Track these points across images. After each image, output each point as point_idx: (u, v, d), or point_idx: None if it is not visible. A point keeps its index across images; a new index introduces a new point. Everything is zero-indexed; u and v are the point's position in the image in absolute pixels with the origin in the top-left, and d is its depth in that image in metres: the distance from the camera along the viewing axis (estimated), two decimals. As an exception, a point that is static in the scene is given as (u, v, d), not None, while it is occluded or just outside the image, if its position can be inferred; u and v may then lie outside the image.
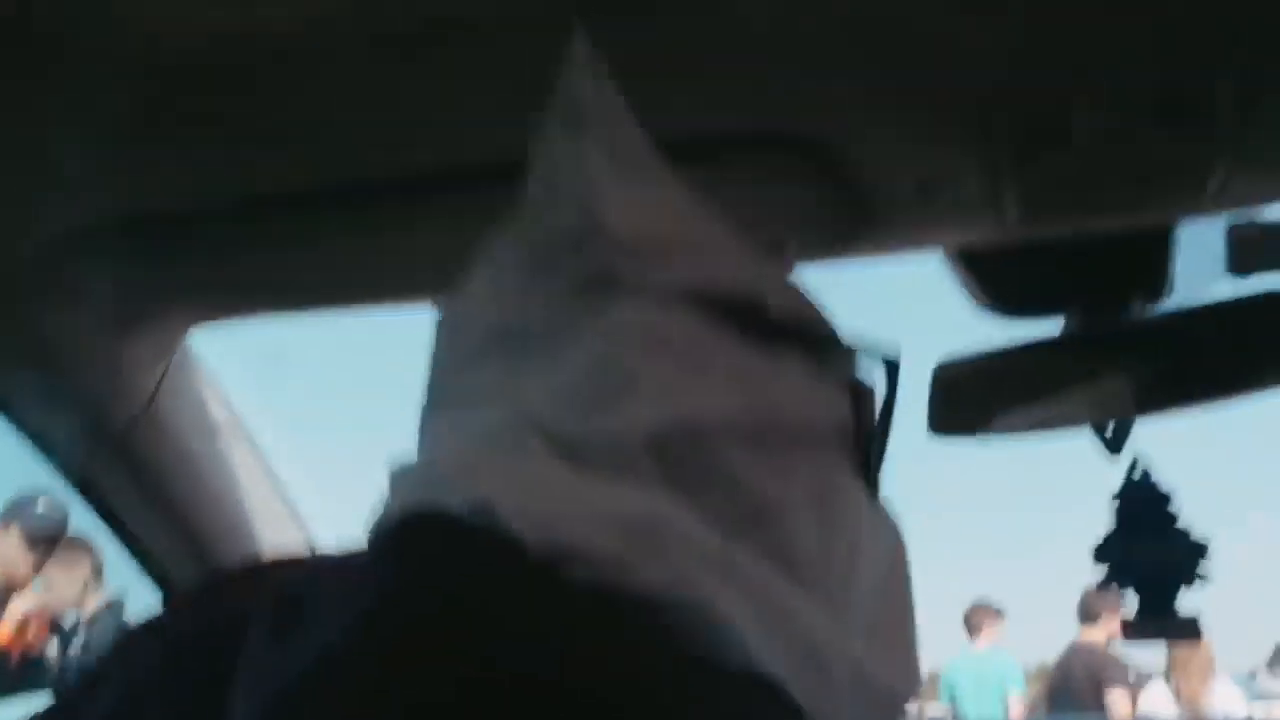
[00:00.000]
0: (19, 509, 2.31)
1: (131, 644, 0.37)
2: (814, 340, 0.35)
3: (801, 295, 0.36)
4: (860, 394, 0.37)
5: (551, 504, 0.27)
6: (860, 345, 0.38)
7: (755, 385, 0.32)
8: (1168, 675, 4.00)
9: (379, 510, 0.32)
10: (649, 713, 0.26)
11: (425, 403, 0.36)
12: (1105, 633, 3.79)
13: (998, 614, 4.35)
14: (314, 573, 0.34)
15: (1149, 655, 4.23)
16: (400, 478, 0.33)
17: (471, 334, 0.35)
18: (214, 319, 0.76)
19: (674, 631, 0.27)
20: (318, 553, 0.41)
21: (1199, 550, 0.74)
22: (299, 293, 0.75)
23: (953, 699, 4.36)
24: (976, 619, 4.29)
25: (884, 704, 0.34)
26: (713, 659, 0.27)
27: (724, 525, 0.29)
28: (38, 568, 2.30)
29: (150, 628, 0.38)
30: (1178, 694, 3.89)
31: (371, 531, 0.32)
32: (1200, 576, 0.74)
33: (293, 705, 0.27)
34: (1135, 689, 3.87)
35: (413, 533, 0.30)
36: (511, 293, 0.34)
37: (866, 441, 0.37)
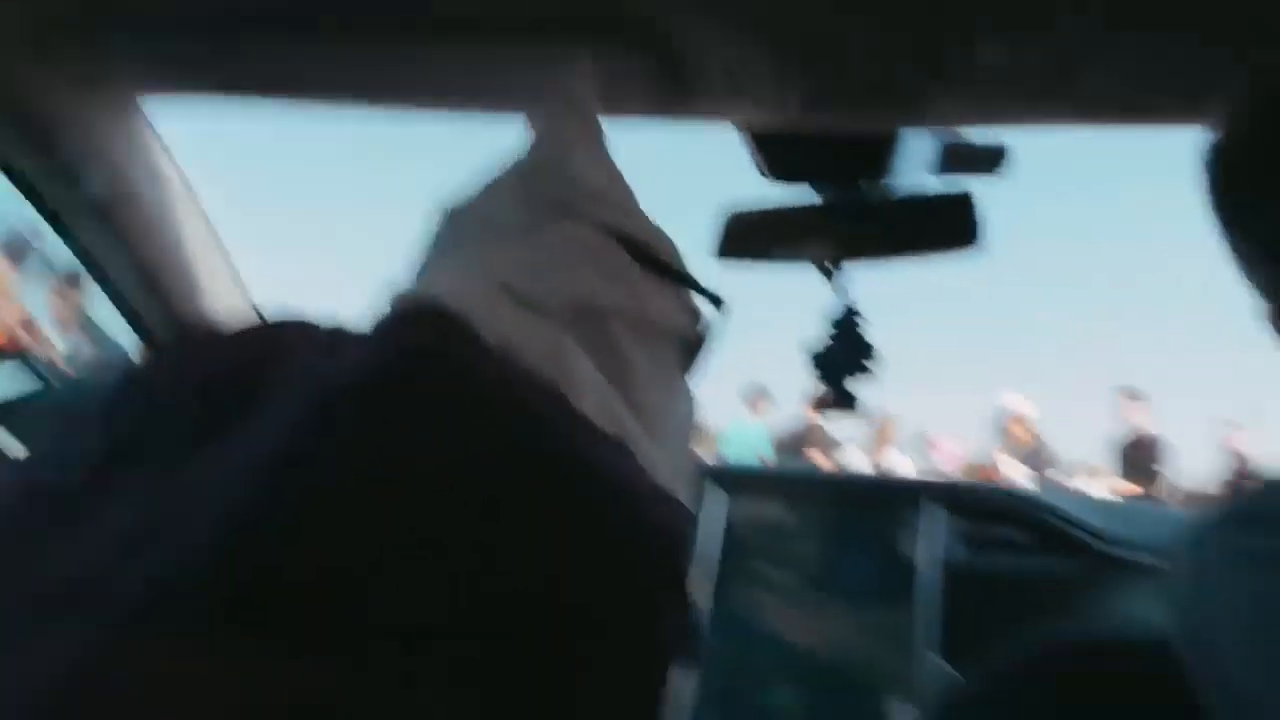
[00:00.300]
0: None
1: (116, 390, 0.42)
2: (673, 272, 0.57)
3: (671, 243, 0.57)
4: (696, 311, 0.57)
5: (497, 320, 0.49)
6: (700, 282, 0.57)
7: (636, 291, 0.52)
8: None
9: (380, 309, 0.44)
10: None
11: (425, 260, 0.55)
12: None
13: (768, 397, 5.55)
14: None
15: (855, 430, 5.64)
16: (398, 293, 0.52)
17: (471, 220, 0.55)
18: (162, 91, 0.87)
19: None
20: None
21: (876, 356, 1.06)
22: (250, 78, 0.87)
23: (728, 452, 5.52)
24: (753, 399, 5.55)
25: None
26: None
27: (603, 371, 0.48)
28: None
29: (133, 376, 0.43)
30: (869, 456, 5.35)
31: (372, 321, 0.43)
32: (871, 372, 1.07)
33: (342, 410, 0.35)
34: (832, 450, 5.26)
35: (411, 314, 0.44)
36: (504, 199, 0.55)
37: (696, 342, 0.57)
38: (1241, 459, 5.95)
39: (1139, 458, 5.49)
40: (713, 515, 1.25)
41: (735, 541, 1.23)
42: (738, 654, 1.20)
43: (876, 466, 5.46)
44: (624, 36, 0.78)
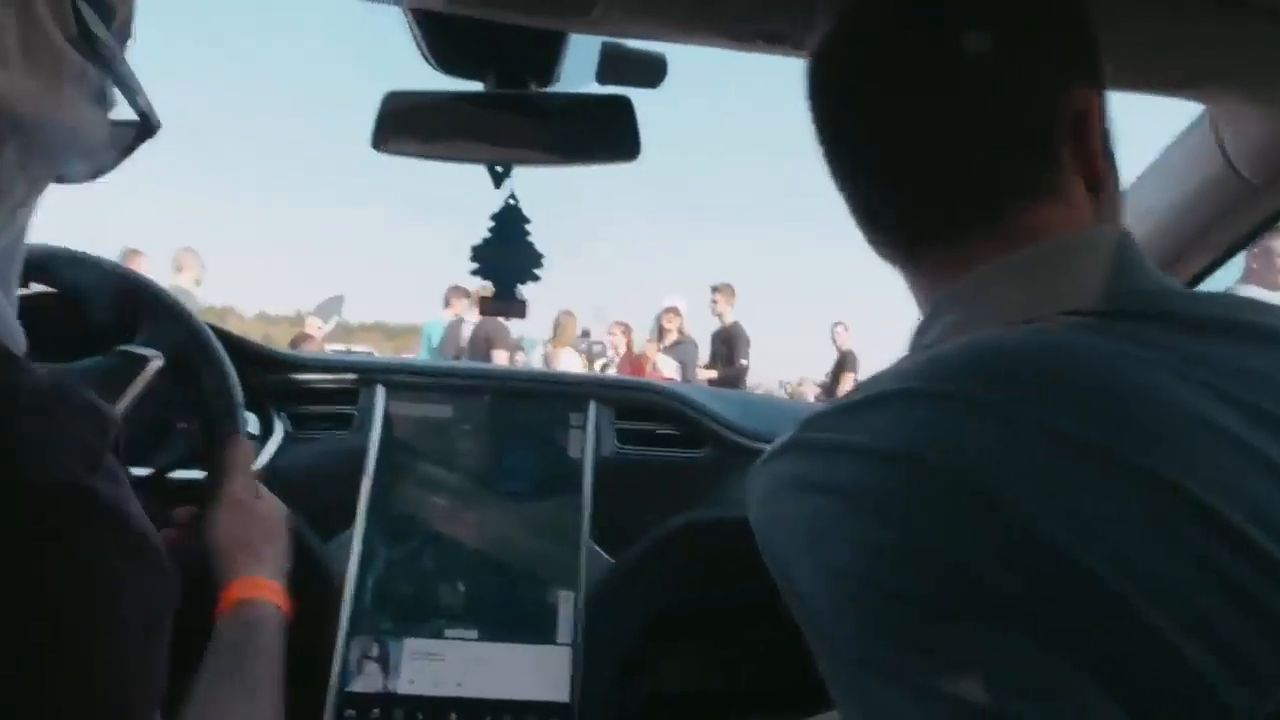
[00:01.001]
0: None
1: None
2: None
3: None
4: None
5: None
6: None
7: None
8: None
9: None
10: None
11: None
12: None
13: (465, 296, 5.86)
14: None
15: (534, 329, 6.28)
16: None
17: None
18: None
19: None
20: None
21: (539, 260, 1.09)
22: None
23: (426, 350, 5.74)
24: (449, 296, 5.80)
25: None
26: None
27: None
28: None
29: None
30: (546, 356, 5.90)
31: None
32: (535, 276, 1.09)
33: None
34: (514, 350, 5.62)
35: None
36: None
37: None
38: (845, 353, 7.17)
39: (725, 348, 6.51)
40: (371, 413, 1.23)
41: (396, 441, 1.22)
42: (403, 555, 1.20)
43: (550, 365, 5.80)
44: None
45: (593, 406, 1.26)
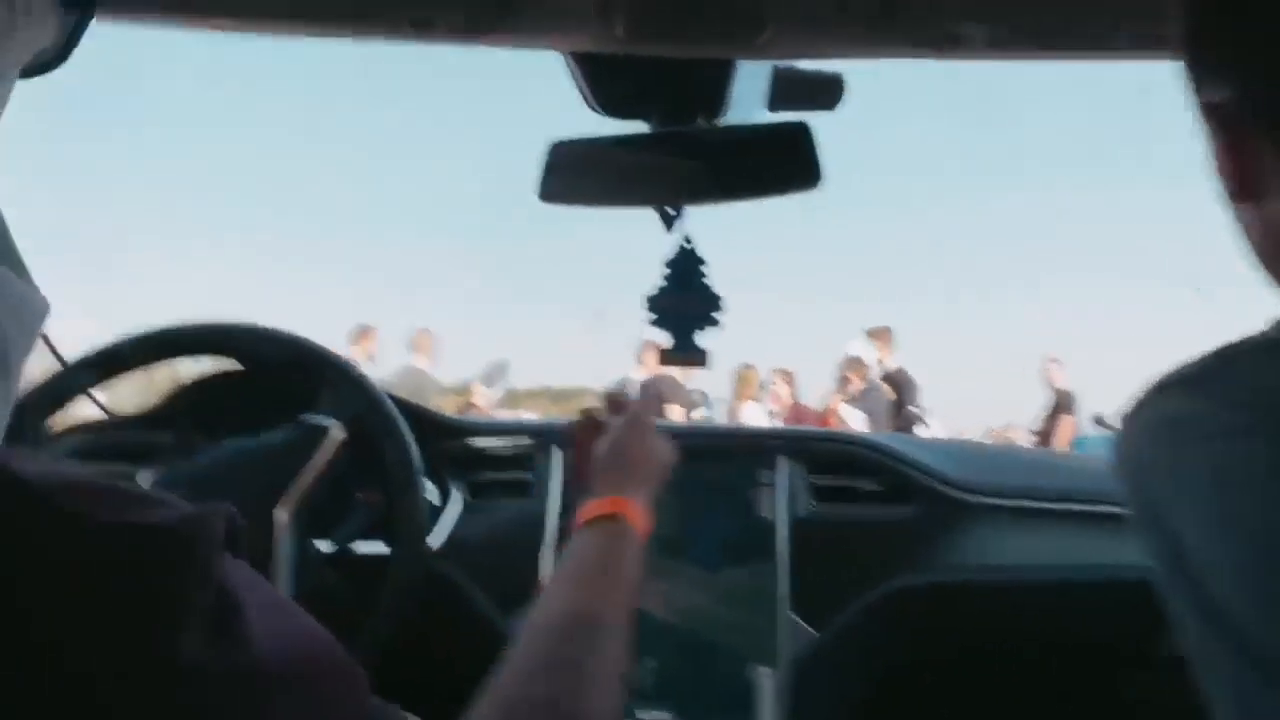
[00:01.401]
0: None
1: None
2: None
3: None
4: None
5: None
6: None
7: None
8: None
9: None
10: None
11: None
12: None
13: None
14: None
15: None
16: None
17: None
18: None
19: None
20: None
21: (718, 304, 1.02)
22: None
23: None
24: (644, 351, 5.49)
25: None
26: None
27: None
28: None
29: None
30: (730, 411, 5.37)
31: None
32: (717, 323, 1.02)
33: None
34: (692, 407, 5.35)
35: None
36: None
37: None
38: (1062, 393, 6.41)
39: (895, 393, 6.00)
40: (548, 478, 1.18)
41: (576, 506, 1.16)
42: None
43: (734, 421, 5.54)
44: None
45: (783, 463, 1.16)
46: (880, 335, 6.07)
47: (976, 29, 0.79)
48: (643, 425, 0.90)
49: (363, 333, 5.97)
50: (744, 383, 5.96)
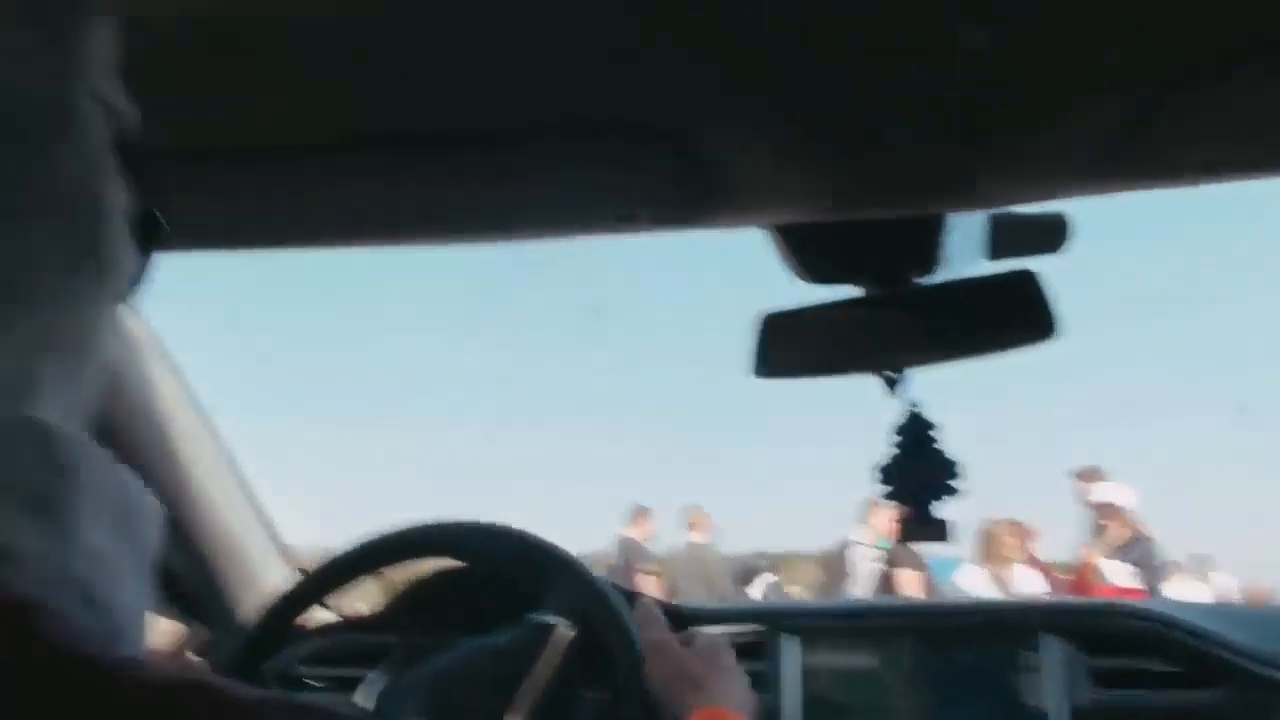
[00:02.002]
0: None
1: None
2: None
3: None
4: None
5: None
6: None
7: None
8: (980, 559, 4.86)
9: None
10: None
11: None
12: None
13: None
14: None
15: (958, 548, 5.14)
16: None
17: None
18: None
19: None
20: None
21: (955, 471, 0.94)
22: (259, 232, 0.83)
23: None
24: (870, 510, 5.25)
25: None
26: None
27: None
28: None
29: None
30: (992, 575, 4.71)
31: None
32: (956, 491, 0.94)
33: None
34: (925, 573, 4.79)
35: None
36: None
37: None
38: None
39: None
40: (783, 669, 1.09)
41: (815, 699, 1.06)
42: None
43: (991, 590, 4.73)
44: (654, 147, 0.74)
45: (1051, 641, 1.02)
46: (1092, 474, 5.30)
47: (1229, 150, 0.72)
48: (669, 646, 0.92)
49: (639, 514, 5.97)
50: (996, 543, 4.84)
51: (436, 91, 0.67)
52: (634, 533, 5.96)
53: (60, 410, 0.34)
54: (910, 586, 4.96)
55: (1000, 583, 4.71)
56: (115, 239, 0.35)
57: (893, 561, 5.13)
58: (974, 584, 4.77)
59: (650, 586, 5.27)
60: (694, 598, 5.32)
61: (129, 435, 0.96)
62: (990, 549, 4.85)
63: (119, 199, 0.36)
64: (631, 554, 5.77)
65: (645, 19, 0.61)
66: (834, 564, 5.67)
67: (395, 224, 0.85)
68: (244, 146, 0.73)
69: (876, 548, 5.39)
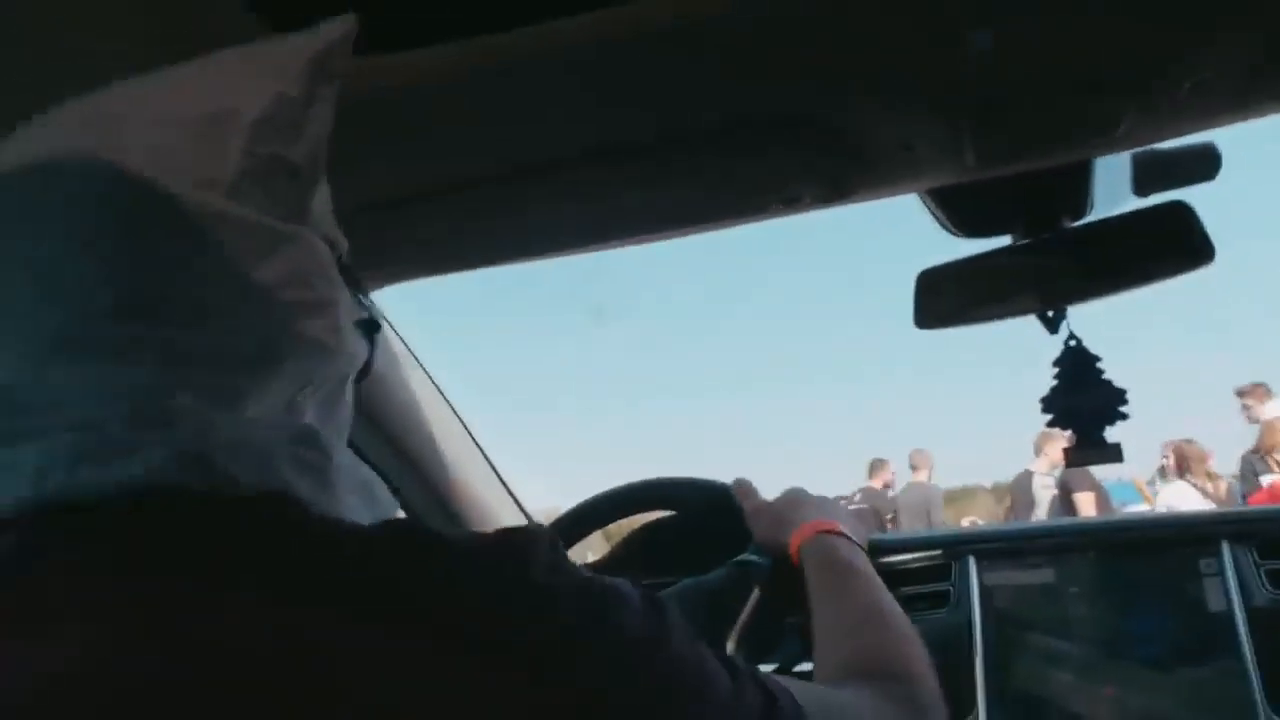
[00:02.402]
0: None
1: None
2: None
3: None
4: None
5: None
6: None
7: None
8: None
9: None
10: None
11: None
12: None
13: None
14: None
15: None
16: None
17: None
18: (403, 279, 1.00)
19: None
20: None
21: (1121, 396, 0.99)
22: (461, 257, 0.98)
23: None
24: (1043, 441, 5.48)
25: None
26: None
27: None
28: None
29: None
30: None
31: None
32: (1122, 415, 0.99)
33: None
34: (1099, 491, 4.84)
35: None
36: None
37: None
38: None
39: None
40: (967, 587, 1.18)
41: (1000, 613, 1.15)
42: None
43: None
44: (811, 134, 0.82)
45: (1227, 549, 1.07)
46: (1256, 392, 5.08)
47: None
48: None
49: (878, 465, 6.50)
50: (1186, 460, 5.16)
51: (624, 105, 0.78)
52: (875, 482, 6.49)
53: (319, 421, 0.50)
54: (1087, 508, 4.97)
55: (1203, 494, 4.77)
56: (345, 326, 0.52)
57: (1068, 487, 5.12)
58: (1177, 499, 4.83)
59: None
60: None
61: (394, 426, 1.14)
62: (1186, 464, 5.08)
63: (347, 302, 0.52)
64: (875, 501, 6.26)
65: (794, 21, 0.69)
66: (1014, 494, 5.75)
67: (590, 232, 0.98)
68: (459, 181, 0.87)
69: (1052, 476, 5.44)
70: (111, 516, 0.40)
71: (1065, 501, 5.17)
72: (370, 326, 0.56)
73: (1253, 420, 5.06)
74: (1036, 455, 5.62)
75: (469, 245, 0.96)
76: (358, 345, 0.53)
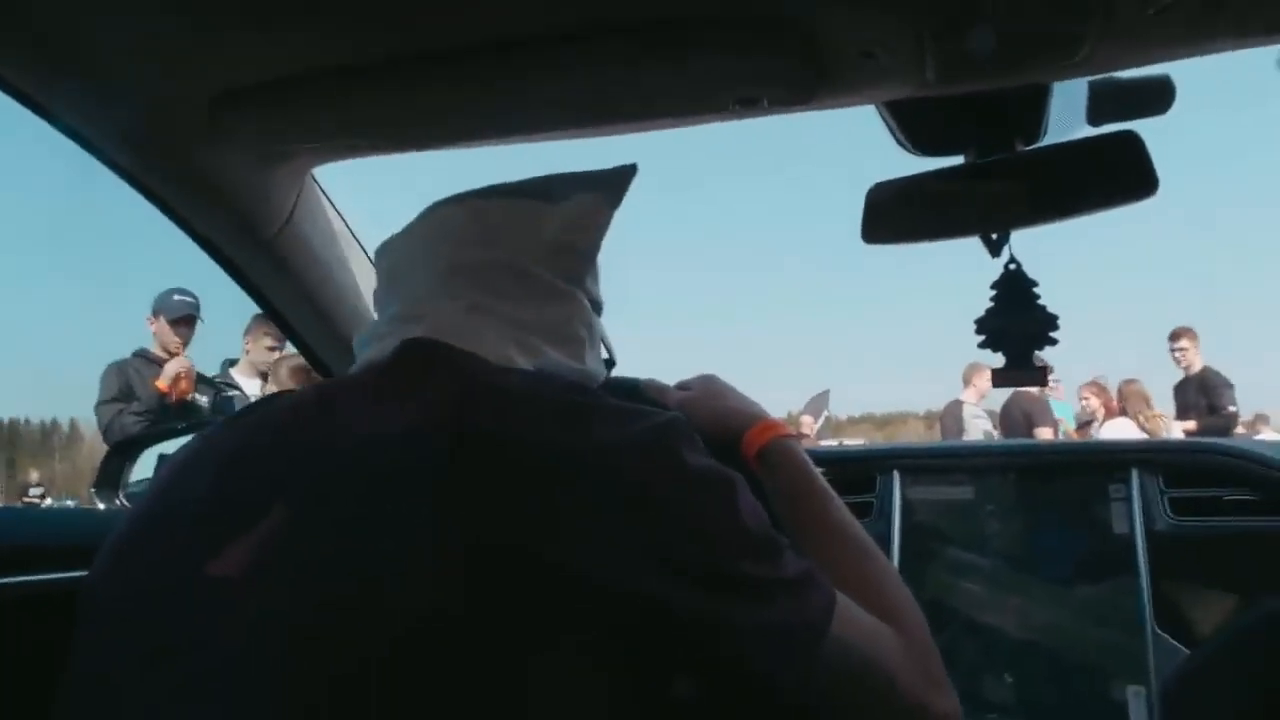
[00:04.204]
0: (161, 302, 3.54)
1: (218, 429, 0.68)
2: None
3: None
4: None
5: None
6: None
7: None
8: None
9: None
10: None
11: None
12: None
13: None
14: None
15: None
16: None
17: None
18: (332, 159, 0.97)
19: None
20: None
21: (1053, 322, 1.01)
22: (395, 137, 0.95)
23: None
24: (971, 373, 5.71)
25: None
26: None
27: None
28: (185, 341, 3.50)
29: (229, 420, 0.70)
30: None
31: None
32: (1051, 340, 1.02)
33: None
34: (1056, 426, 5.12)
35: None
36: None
37: None
38: None
39: (1203, 396, 5.29)
40: (889, 499, 1.22)
41: (918, 526, 1.20)
42: (941, 645, 1.16)
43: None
44: (772, 35, 0.81)
45: (1136, 475, 1.12)
46: (1187, 335, 5.55)
47: None
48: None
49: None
50: (1134, 398, 5.59)
51: None
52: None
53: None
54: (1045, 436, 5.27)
55: (1145, 433, 5.11)
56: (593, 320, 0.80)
57: (1031, 421, 5.38)
58: (1119, 436, 5.14)
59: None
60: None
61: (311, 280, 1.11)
62: (1128, 403, 5.55)
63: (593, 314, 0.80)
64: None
65: None
66: (944, 422, 5.94)
67: (541, 117, 0.95)
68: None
69: (980, 406, 5.68)
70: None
71: (1027, 434, 5.38)
72: (609, 364, 0.88)
73: (1184, 365, 5.54)
74: (965, 386, 5.82)
75: (409, 125, 0.94)
76: (597, 366, 0.81)
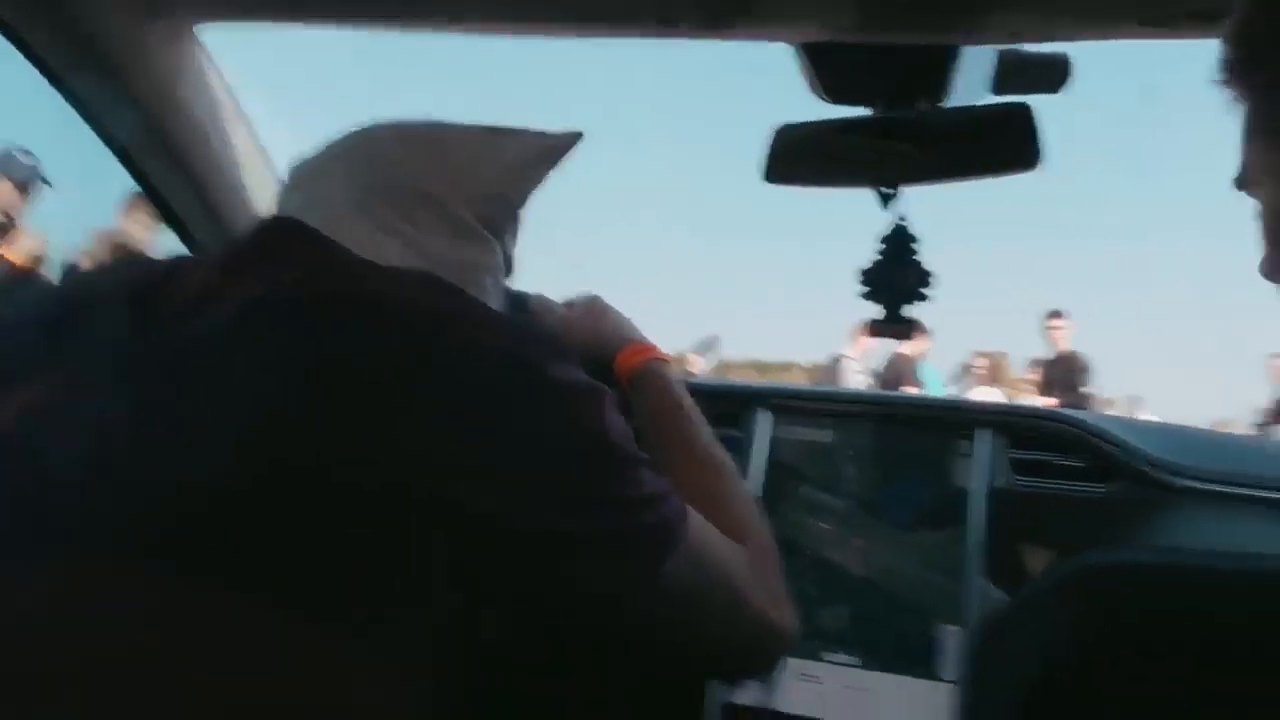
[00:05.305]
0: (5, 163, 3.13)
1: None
2: None
3: None
4: None
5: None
6: None
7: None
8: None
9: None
10: None
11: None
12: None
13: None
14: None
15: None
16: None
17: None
18: (220, 19, 0.91)
19: None
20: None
21: (927, 279, 1.06)
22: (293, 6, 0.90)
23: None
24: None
25: None
26: None
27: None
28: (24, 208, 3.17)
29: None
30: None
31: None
32: (922, 296, 1.06)
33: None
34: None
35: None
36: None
37: None
38: None
39: (1065, 375, 5.85)
40: (755, 436, 1.26)
41: (780, 464, 1.25)
42: (786, 576, 1.22)
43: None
44: None
45: (983, 434, 1.19)
46: (1062, 317, 6.01)
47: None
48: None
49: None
50: (1000, 369, 6.16)
51: None
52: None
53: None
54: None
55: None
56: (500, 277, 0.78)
57: (900, 380, 5.63)
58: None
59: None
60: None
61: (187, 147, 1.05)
62: (997, 375, 6.08)
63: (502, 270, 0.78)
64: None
65: None
66: (826, 374, 6.16)
67: (457, 5, 0.92)
68: None
69: (862, 363, 5.91)
70: None
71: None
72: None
73: (1057, 343, 6.01)
74: (851, 341, 6.03)
75: None
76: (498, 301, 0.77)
